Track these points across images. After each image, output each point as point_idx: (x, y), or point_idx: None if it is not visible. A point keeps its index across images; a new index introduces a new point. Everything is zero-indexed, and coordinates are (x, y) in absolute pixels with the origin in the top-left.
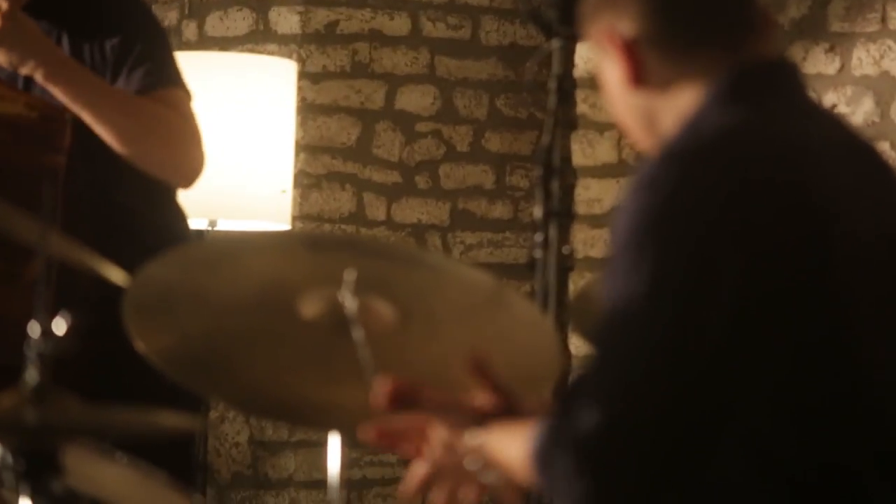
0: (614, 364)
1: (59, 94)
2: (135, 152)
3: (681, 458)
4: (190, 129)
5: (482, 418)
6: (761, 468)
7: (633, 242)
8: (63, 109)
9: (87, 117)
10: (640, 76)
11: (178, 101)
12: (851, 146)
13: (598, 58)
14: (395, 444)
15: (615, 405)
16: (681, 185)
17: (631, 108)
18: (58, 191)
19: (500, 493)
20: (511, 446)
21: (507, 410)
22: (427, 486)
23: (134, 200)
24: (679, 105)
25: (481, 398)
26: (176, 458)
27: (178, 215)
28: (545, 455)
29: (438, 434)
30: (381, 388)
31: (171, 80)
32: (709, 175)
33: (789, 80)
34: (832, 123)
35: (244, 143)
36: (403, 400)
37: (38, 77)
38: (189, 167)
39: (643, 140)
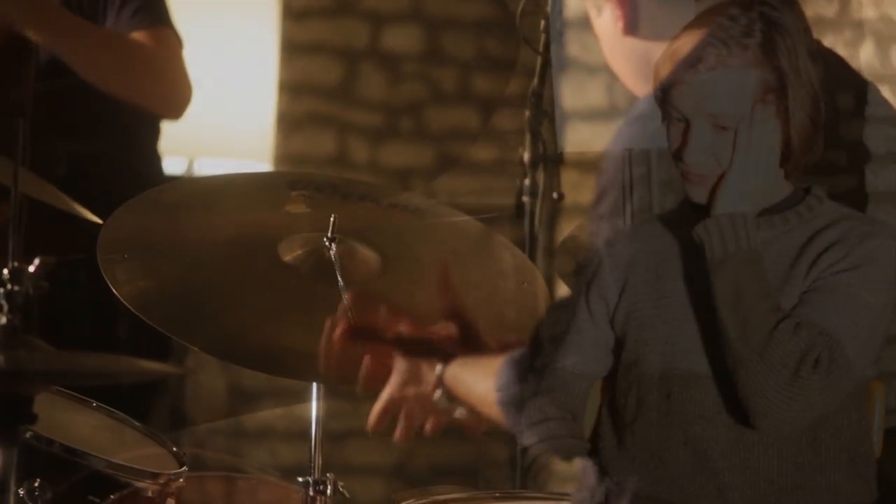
0: None
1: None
2: (119, 88)
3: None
4: (174, 62)
5: (450, 352)
6: None
7: None
8: (27, 39)
9: (71, 60)
10: (634, 22)
11: (165, 38)
12: None
13: (592, 4)
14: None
15: None
16: None
17: (626, 55)
18: (25, 125)
19: (466, 424)
20: (479, 380)
21: (470, 338)
22: (390, 416)
23: (106, 145)
24: None
25: (446, 326)
26: (149, 406)
27: (153, 160)
28: (517, 390)
29: (400, 366)
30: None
31: (159, 19)
32: None
33: None
34: None
35: (225, 82)
36: (364, 333)
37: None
38: (175, 98)
39: (639, 88)
